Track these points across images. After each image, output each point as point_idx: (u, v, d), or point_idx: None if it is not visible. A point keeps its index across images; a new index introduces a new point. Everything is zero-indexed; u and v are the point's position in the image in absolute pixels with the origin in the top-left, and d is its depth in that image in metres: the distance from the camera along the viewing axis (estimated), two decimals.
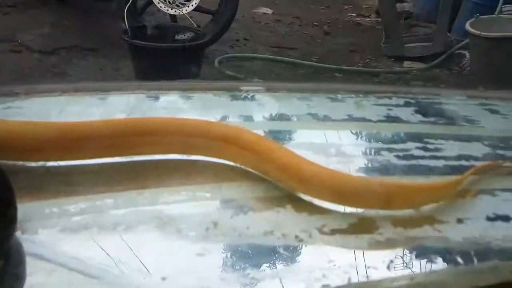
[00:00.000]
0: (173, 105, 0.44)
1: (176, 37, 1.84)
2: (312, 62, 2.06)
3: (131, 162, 0.32)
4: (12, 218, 0.22)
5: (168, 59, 1.42)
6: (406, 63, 2.29)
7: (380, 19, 2.82)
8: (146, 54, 1.40)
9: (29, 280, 0.22)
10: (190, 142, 0.32)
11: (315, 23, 3.02)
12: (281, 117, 0.43)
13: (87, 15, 2.47)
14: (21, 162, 0.30)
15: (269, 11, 3.28)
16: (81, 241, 0.25)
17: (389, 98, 0.46)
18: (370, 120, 0.42)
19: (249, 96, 0.46)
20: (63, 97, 0.44)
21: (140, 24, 1.76)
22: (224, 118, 0.42)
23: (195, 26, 1.74)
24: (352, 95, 0.46)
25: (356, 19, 3.29)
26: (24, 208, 0.27)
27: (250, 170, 0.31)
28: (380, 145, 0.38)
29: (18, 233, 0.25)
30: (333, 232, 0.27)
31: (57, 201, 0.28)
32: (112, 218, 0.27)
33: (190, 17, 1.89)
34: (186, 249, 0.25)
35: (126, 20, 1.55)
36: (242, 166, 0.31)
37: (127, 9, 1.59)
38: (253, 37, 2.55)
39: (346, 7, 3.68)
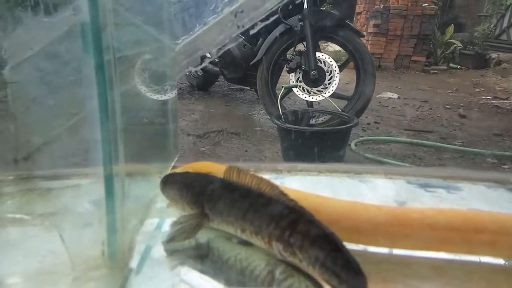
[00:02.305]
0: (445, 196, 0.41)
1: (311, 121, 1.90)
2: (457, 146, 1.92)
3: (456, 260, 0.29)
4: None
5: (319, 141, 1.45)
6: None
7: None
8: (296, 137, 1.45)
9: None
10: None
11: (447, 106, 2.90)
12: None
13: (228, 103, 2.74)
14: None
15: (395, 95, 3.26)
16: None
17: None
18: None
19: None
20: (320, 176, 0.44)
21: (285, 110, 1.86)
22: None
23: (340, 110, 1.78)
24: None
25: (493, 101, 3.08)
26: None
27: None
28: None
29: None
30: None
31: None
32: None
33: (323, 101, 1.95)
34: None
35: (279, 107, 1.66)
36: None
37: (273, 97, 1.71)
38: (384, 120, 2.52)
39: (477, 90, 3.50)
